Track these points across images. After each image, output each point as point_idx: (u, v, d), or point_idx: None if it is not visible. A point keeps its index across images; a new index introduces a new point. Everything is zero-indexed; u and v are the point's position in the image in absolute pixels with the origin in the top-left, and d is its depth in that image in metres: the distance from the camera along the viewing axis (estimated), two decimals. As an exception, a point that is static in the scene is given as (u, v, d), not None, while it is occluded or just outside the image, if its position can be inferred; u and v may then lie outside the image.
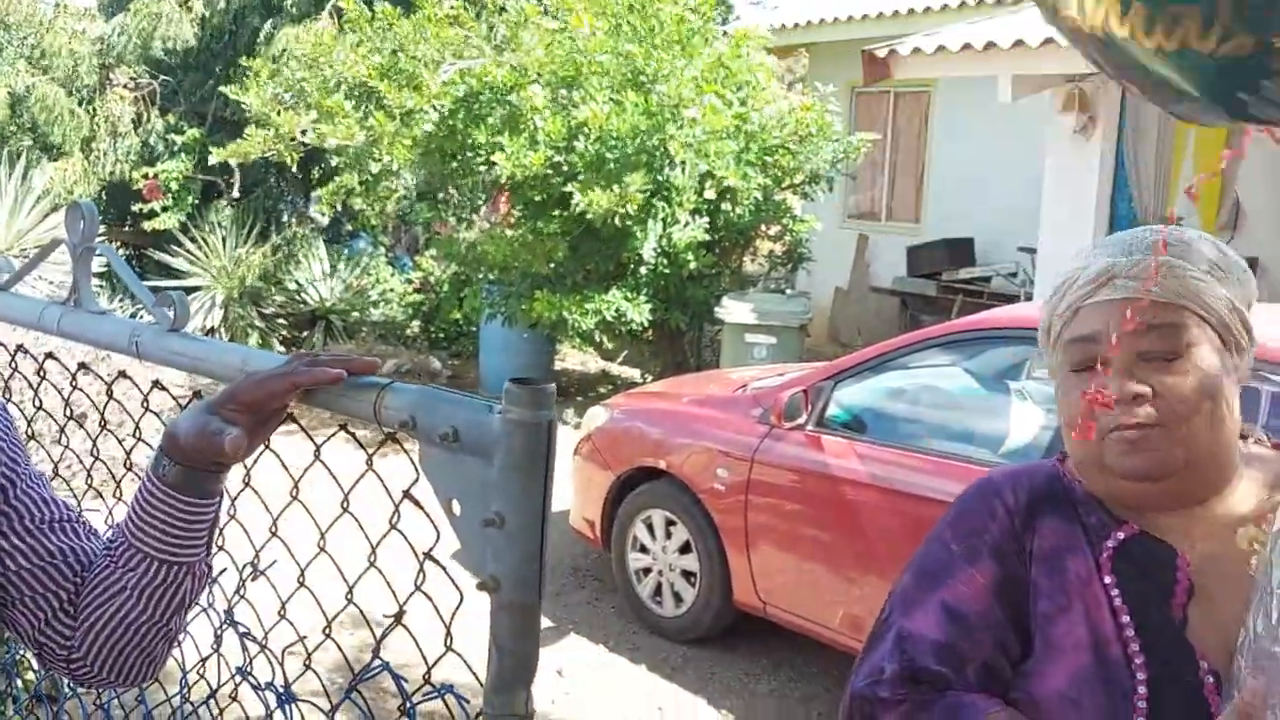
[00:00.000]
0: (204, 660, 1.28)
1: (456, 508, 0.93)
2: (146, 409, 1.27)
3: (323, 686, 1.15)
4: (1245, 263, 1.10)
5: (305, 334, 9.33)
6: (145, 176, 9.92)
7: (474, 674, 0.93)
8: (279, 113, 7.39)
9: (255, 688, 1.20)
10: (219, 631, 1.27)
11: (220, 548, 1.09)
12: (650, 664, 4.07)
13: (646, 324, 6.86)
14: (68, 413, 1.41)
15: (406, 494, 0.96)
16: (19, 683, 2.12)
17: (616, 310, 6.65)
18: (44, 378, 1.41)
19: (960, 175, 9.10)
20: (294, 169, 8.82)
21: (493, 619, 0.91)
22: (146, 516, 1.00)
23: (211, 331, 8.95)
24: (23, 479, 1.02)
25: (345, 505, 1.05)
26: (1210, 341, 1.04)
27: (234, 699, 1.24)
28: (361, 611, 1.08)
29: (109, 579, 1.01)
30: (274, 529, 1.15)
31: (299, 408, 1.02)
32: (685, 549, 4.19)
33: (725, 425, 4.11)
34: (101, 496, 1.43)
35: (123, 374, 1.31)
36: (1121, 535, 1.07)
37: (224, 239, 9.53)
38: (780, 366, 5.32)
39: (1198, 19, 0.71)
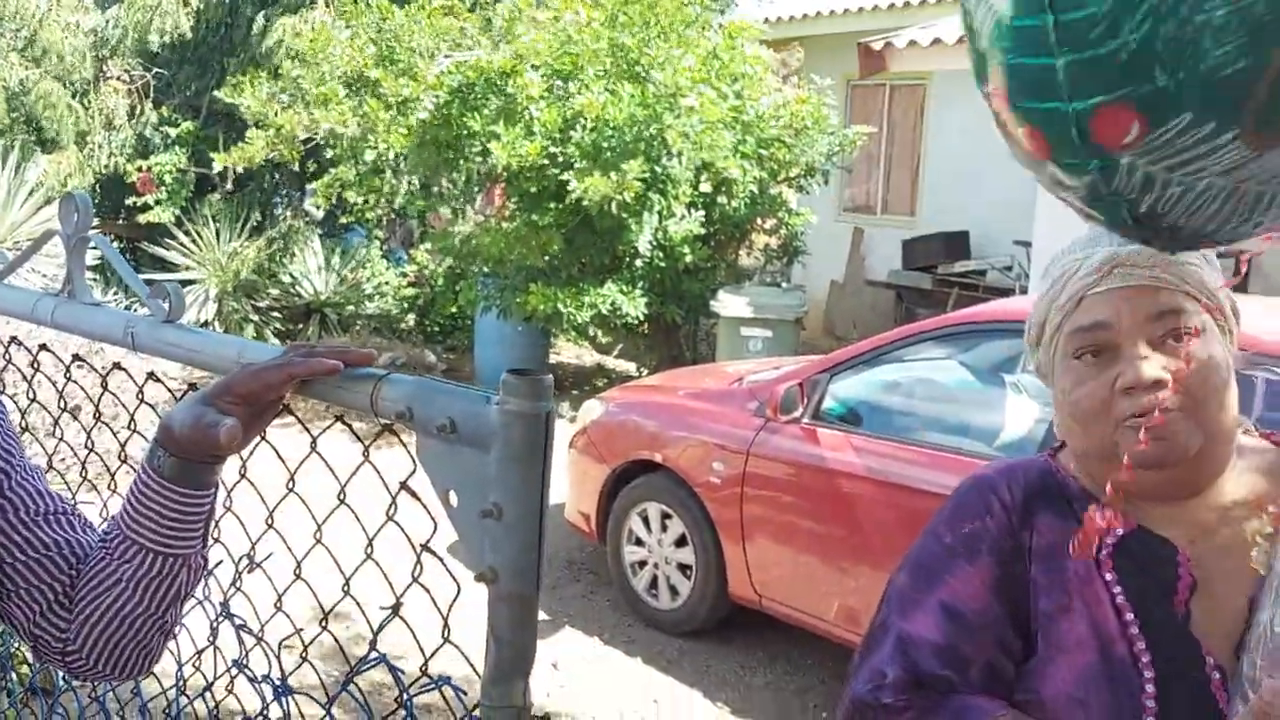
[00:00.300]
0: (200, 653, 1.28)
1: (454, 499, 0.93)
2: (141, 401, 1.27)
3: (319, 679, 1.14)
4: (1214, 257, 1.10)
5: (300, 327, 9.31)
6: (139, 169, 9.89)
7: (471, 665, 0.93)
8: (277, 113, 7.37)
9: (251, 680, 1.20)
10: (215, 624, 1.26)
11: (216, 540, 1.09)
12: (646, 657, 4.08)
13: (642, 317, 6.85)
14: (62, 405, 1.41)
15: (404, 485, 0.96)
16: (14, 676, 2.11)
17: (612, 303, 6.65)
18: (38, 370, 1.40)
19: (956, 168, 9.10)
20: (289, 163, 8.80)
21: (490, 610, 0.90)
22: (142, 509, 0.99)
23: (206, 325, 8.93)
24: (17, 471, 1.02)
25: (342, 497, 1.05)
26: (1212, 326, 1.04)
27: (230, 692, 1.24)
28: (358, 603, 1.08)
29: (104, 571, 1.01)
30: (270, 521, 1.15)
31: (295, 399, 1.02)
32: (681, 542, 4.20)
33: (721, 418, 4.11)
34: (96, 489, 1.42)
35: (117, 365, 1.30)
36: (1120, 530, 1.06)
37: (218, 232, 9.50)
38: (776, 360, 5.32)
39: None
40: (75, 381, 1.44)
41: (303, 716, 1.15)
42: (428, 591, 0.94)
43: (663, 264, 6.81)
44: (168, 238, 9.50)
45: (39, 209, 8.55)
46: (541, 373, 0.88)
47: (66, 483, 1.54)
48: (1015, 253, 8.41)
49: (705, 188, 6.73)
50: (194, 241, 9.41)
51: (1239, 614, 1.00)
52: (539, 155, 6.28)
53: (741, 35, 6.99)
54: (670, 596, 4.27)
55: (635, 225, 6.50)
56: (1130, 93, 0.72)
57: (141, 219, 9.78)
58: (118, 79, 10.45)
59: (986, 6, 0.77)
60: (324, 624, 1.09)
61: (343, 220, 10.21)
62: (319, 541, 1.09)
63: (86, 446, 1.39)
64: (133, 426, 1.29)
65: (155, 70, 10.39)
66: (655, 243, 6.66)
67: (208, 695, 1.26)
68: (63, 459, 1.53)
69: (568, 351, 9.21)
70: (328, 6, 8.87)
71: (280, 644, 1.18)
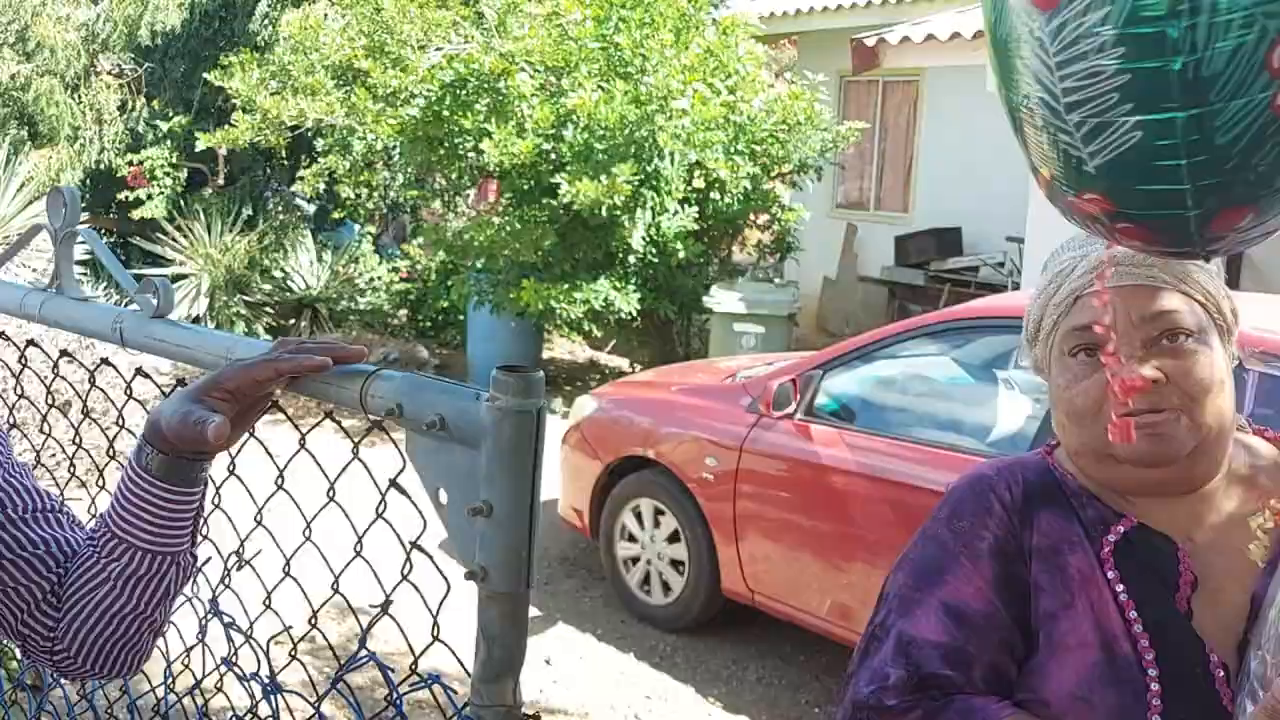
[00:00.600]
0: (189, 650, 1.27)
1: (444, 496, 0.92)
2: (130, 396, 1.26)
3: (309, 677, 1.14)
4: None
5: (292, 322, 9.28)
6: (130, 164, 9.84)
7: (461, 664, 0.92)
8: (265, 97, 7.34)
9: (240, 678, 1.19)
10: (204, 622, 1.26)
11: (205, 537, 1.08)
12: (638, 653, 4.08)
13: (635, 313, 6.85)
14: (50, 401, 1.40)
15: (393, 483, 0.95)
16: (2, 671, 2.10)
17: (605, 299, 6.64)
18: (25, 365, 1.39)
19: (949, 164, 9.10)
20: (282, 156, 8.77)
21: (480, 609, 0.90)
22: (130, 506, 0.98)
23: (197, 320, 8.89)
24: (4, 468, 1.01)
25: (331, 494, 1.04)
26: (1211, 326, 1.04)
27: (219, 689, 1.23)
28: (348, 601, 1.07)
29: (92, 570, 1.00)
30: (259, 518, 1.14)
31: (286, 395, 1.01)
32: (674, 538, 4.19)
33: (714, 414, 4.11)
34: (85, 486, 1.41)
35: (105, 361, 1.29)
36: (1121, 528, 1.05)
37: (210, 227, 9.46)
38: (769, 356, 5.32)
39: None
40: (63, 377, 1.43)
41: (292, 715, 1.14)
42: (417, 590, 0.93)
43: (656, 260, 6.80)
44: (159, 232, 9.45)
45: (29, 203, 8.50)
46: (532, 369, 0.88)
47: (55, 479, 1.53)
48: (1008, 249, 8.42)
49: (698, 184, 6.72)
50: (185, 236, 9.37)
51: (1239, 610, 1.00)
52: (531, 153, 6.26)
53: (736, 31, 6.98)
54: (663, 592, 4.26)
55: (628, 221, 6.49)
56: (1253, 196, 0.82)
57: (133, 214, 9.73)
58: (109, 73, 10.40)
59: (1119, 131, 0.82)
60: (313, 622, 1.09)
61: (335, 215, 10.18)
62: (308, 539, 1.08)
63: (74, 442, 1.38)
64: (121, 422, 1.28)
65: (147, 65, 10.34)
66: (648, 239, 6.66)
67: (196, 693, 1.25)
68: (53, 454, 1.52)
69: (561, 347, 9.19)
70: (332, 3, 8.81)
71: (269, 642, 1.17)
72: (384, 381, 0.95)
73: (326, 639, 1.12)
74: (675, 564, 4.21)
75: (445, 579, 0.93)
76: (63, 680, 1.44)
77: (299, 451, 1.05)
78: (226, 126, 7.62)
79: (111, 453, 1.30)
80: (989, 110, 8.11)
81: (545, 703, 3.69)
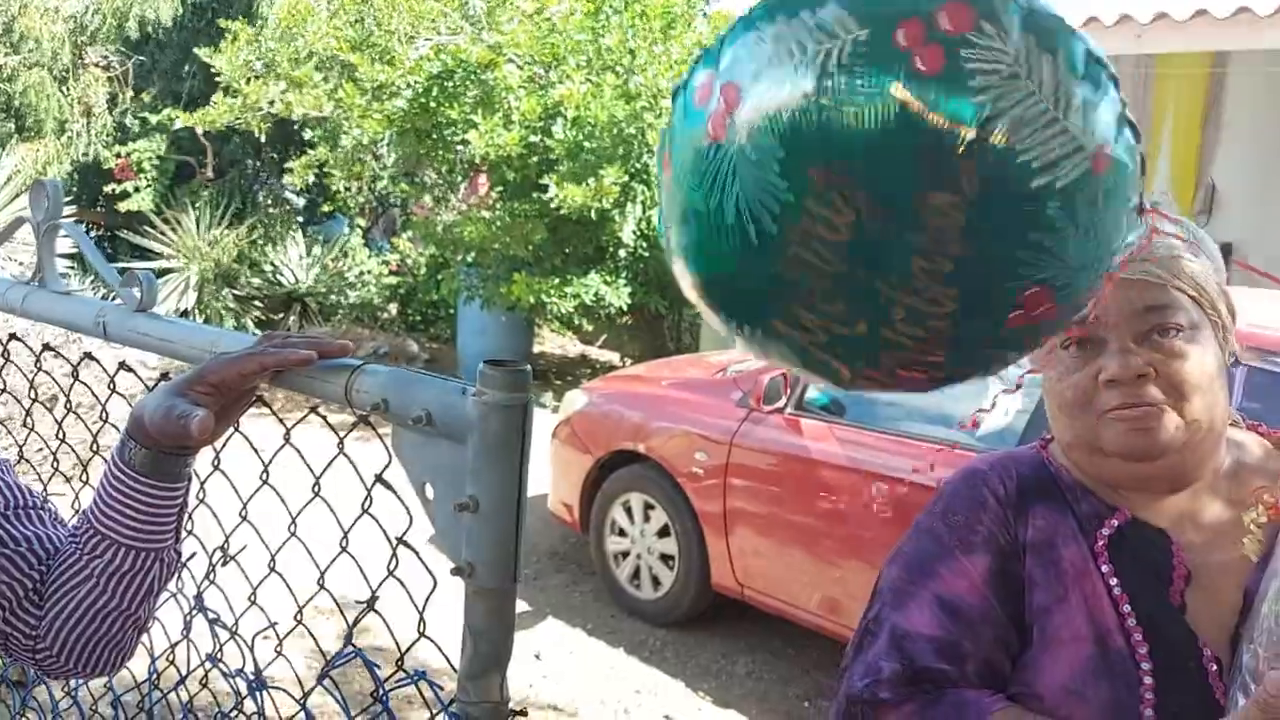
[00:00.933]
0: (173, 647, 1.26)
1: (430, 492, 0.91)
2: (113, 391, 1.25)
3: (294, 673, 1.13)
4: (1219, 253, 1.11)
5: (281, 316, 9.24)
6: (117, 156, 9.78)
7: (448, 660, 0.92)
8: (249, 81, 7.29)
9: (225, 675, 1.18)
10: (188, 617, 1.25)
11: (189, 532, 1.07)
12: (628, 647, 4.08)
13: (626, 307, 6.84)
14: (32, 395, 1.38)
15: (379, 478, 0.94)
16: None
17: (595, 294, 6.63)
18: (8, 359, 1.38)
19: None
20: (270, 150, 8.73)
21: (467, 604, 0.89)
22: (113, 502, 0.97)
23: (186, 314, 8.85)
24: (-15, 464, 1.00)
25: (316, 489, 1.03)
26: (1204, 322, 1.04)
27: (204, 686, 1.23)
28: (334, 597, 1.06)
29: (75, 567, 0.99)
30: (244, 513, 1.13)
31: (273, 390, 1.00)
32: (664, 532, 4.19)
33: (704, 409, 4.11)
34: (69, 481, 1.40)
35: (89, 355, 1.28)
36: (1115, 522, 1.05)
37: (198, 220, 9.41)
38: (759, 350, 5.32)
39: None
40: (47, 372, 1.41)
41: (278, 712, 1.13)
42: (403, 585, 0.92)
43: (646, 254, 6.79)
44: (147, 226, 9.40)
45: (15, 197, 8.45)
46: (519, 364, 0.87)
47: (39, 475, 1.51)
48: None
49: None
50: (173, 229, 9.32)
51: (1233, 604, 1.00)
52: (518, 145, 6.24)
53: (725, 26, 6.96)
54: (653, 587, 4.26)
55: (619, 216, 6.47)
56: None
57: (120, 207, 9.67)
58: (97, 65, 10.33)
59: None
60: (299, 618, 1.08)
61: (325, 208, 10.14)
62: (294, 534, 1.07)
63: (58, 437, 1.36)
64: (104, 417, 1.27)
65: (136, 58, 10.27)
66: (639, 233, 6.64)
67: (181, 689, 1.24)
68: (40, 449, 1.51)
69: (551, 341, 9.18)
70: None
71: (254, 638, 1.16)
72: (369, 376, 0.94)
73: (313, 635, 1.11)
74: (665, 559, 4.21)
75: (431, 575, 0.92)
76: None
77: (284, 446, 1.05)
78: (205, 108, 7.56)
79: (95, 448, 1.29)
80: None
81: (534, 698, 3.69)
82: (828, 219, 0.82)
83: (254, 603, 1.14)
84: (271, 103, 7.20)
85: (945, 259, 0.83)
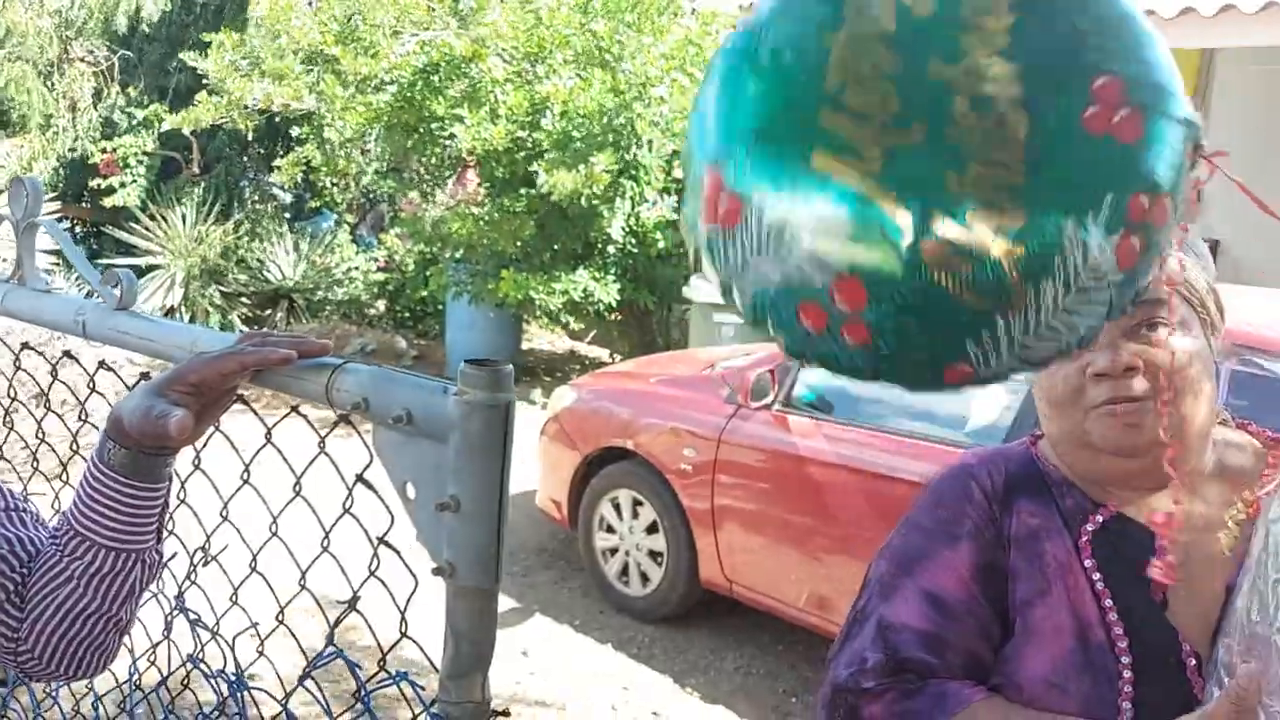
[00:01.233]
0: (154, 647, 1.25)
1: (411, 491, 0.91)
2: (93, 390, 1.24)
3: (276, 674, 1.12)
4: (1207, 251, 1.12)
5: (268, 313, 9.21)
6: (103, 151, 9.72)
7: (430, 660, 0.91)
8: (234, 80, 7.26)
9: (206, 676, 1.17)
10: (169, 618, 1.24)
11: (170, 532, 1.06)
12: (616, 643, 4.08)
13: (614, 304, 6.83)
14: (11, 394, 1.37)
15: (360, 477, 0.94)
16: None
17: (584, 290, 6.62)
18: (-13, 358, 1.37)
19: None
20: (257, 146, 8.69)
21: (449, 605, 0.89)
22: (92, 503, 0.97)
23: (172, 310, 8.80)
24: (-38, 465, 0.99)
25: (298, 489, 1.03)
26: (1192, 319, 1.06)
27: (186, 686, 1.22)
28: (315, 597, 1.06)
29: (55, 568, 0.98)
30: (225, 513, 1.13)
31: (255, 389, 0.99)
32: (652, 529, 4.19)
33: (692, 405, 4.11)
34: (50, 481, 1.39)
35: (68, 354, 1.27)
36: (1100, 518, 1.07)
37: (184, 216, 9.37)
38: (748, 346, 5.32)
39: None
40: (28, 371, 1.40)
41: (260, 712, 1.13)
42: (385, 585, 0.92)
43: (635, 250, 6.78)
44: (133, 222, 9.35)
45: (0, 192, 8.39)
46: (502, 362, 0.87)
47: (19, 475, 1.50)
48: (986, 240, 8.44)
49: (678, 174, 6.70)
50: (159, 225, 9.27)
51: (1215, 601, 1.01)
52: (504, 140, 6.23)
53: (716, 22, 6.96)
54: (641, 583, 4.26)
55: (608, 212, 6.46)
56: None
57: (106, 202, 9.62)
58: (83, 60, 10.27)
59: None
60: (280, 618, 1.07)
61: (312, 204, 10.10)
62: (275, 534, 1.06)
63: (38, 437, 1.35)
64: (84, 417, 1.26)
65: (121, 52, 10.21)
66: (628, 229, 6.63)
67: (163, 690, 1.23)
68: (24, 446, 1.49)
69: (540, 337, 9.17)
70: None
71: (234, 638, 1.15)
72: (350, 375, 0.93)
73: (294, 635, 1.11)
74: (653, 555, 4.21)
75: (413, 575, 0.92)
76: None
77: (265, 445, 1.04)
78: (190, 107, 7.53)
79: (75, 447, 1.28)
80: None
81: (522, 695, 3.68)
82: None
83: (235, 603, 1.13)
84: (258, 100, 7.17)
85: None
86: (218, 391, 0.96)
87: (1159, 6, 5.76)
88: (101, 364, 1.22)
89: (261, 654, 1.11)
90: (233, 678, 1.11)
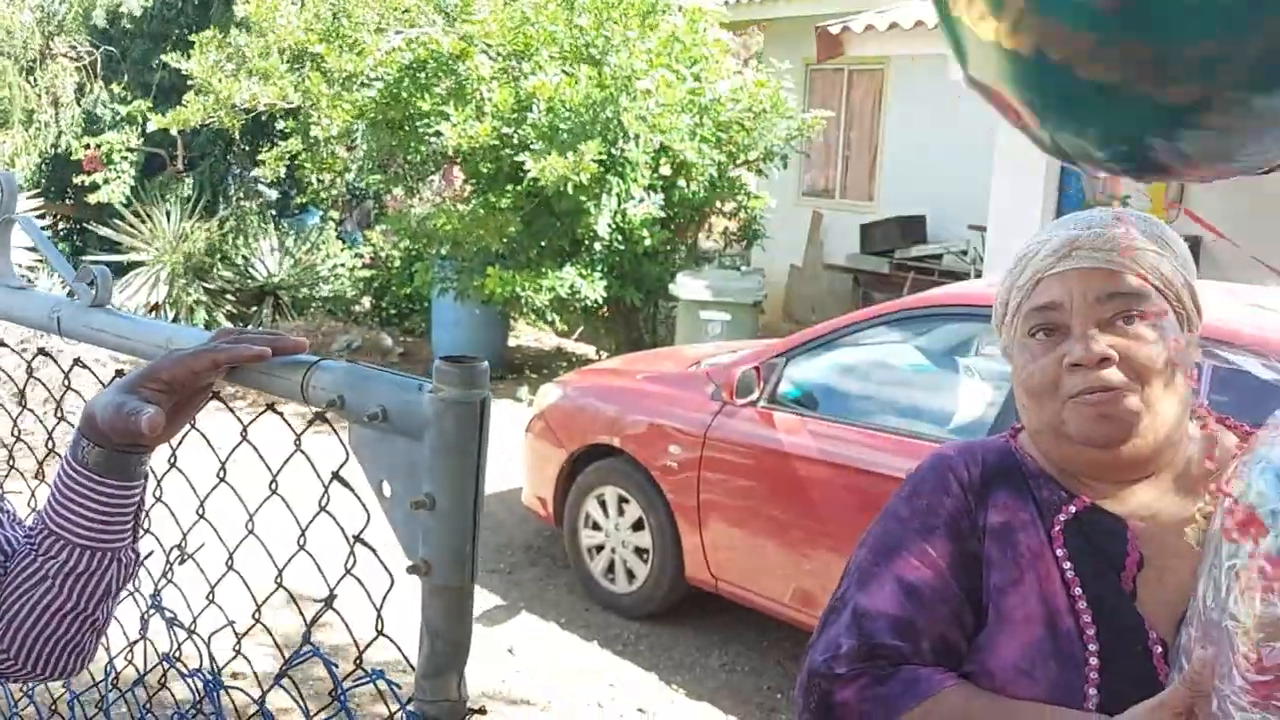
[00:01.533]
0: (131, 646, 1.24)
1: (386, 489, 0.91)
2: (68, 388, 1.23)
3: (253, 672, 1.12)
4: (1187, 248, 1.14)
5: (253, 310, 9.17)
6: (87, 148, 9.66)
7: (406, 658, 0.91)
8: (220, 80, 7.23)
9: (183, 675, 1.17)
10: (145, 616, 1.23)
11: (147, 530, 1.06)
12: (602, 640, 4.08)
13: (601, 300, 6.82)
14: (-13, 392, 1.36)
15: (336, 475, 0.93)
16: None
17: (571, 287, 6.61)
18: (-38, 355, 1.36)
19: (913, 153, 9.15)
20: (241, 142, 8.65)
21: (424, 603, 0.89)
22: (67, 501, 0.96)
23: (156, 307, 8.76)
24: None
25: (274, 487, 1.02)
26: (1167, 313, 1.07)
27: (163, 685, 1.21)
28: (292, 595, 1.05)
29: (31, 568, 0.97)
30: (201, 511, 1.12)
31: (236, 387, 0.99)
32: (638, 526, 4.19)
33: (678, 402, 4.11)
34: (26, 480, 1.38)
35: (42, 352, 1.26)
36: (1073, 508, 1.09)
37: (169, 213, 9.32)
38: (734, 343, 5.32)
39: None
40: (3, 369, 1.39)
41: (237, 710, 1.12)
42: (361, 584, 0.92)
43: (622, 247, 6.78)
44: (117, 218, 9.29)
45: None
46: (476, 359, 0.86)
47: (-4, 472, 1.49)
48: (970, 237, 8.48)
49: (665, 171, 6.71)
50: (144, 222, 9.22)
51: (1183, 591, 1.02)
52: (490, 136, 6.21)
53: (702, 19, 6.96)
54: (627, 580, 4.27)
55: (594, 208, 6.46)
56: None
57: (90, 199, 9.56)
58: (65, 56, 10.19)
59: None
60: (256, 617, 1.07)
61: (298, 201, 10.06)
62: (251, 532, 1.06)
63: (14, 435, 1.34)
64: (60, 414, 1.25)
65: (104, 48, 10.14)
66: (614, 226, 6.63)
67: (140, 689, 1.22)
68: (3, 445, 1.48)
69: (527, 334, 9.15)
70: None
71: (210, 636, 1.15)
72: (325, 372, 0.93)
73: (271, 633, 1.10)
74: (639, 552, 4.21)
75: (389, 573, 0.92)
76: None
77: (241, 444, 1.03)
78: (177, 107, 7.49)
79: (51, 444, 1.27)
80: (953, 99, 8.20)
81: (507, 693, 3.68)
82: None
83: (212, 601, 1.13)
84: (245, 100, 7.14)
85: None
86: (191, 389, 0.95)
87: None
88: (76, 361, 1.21)
89: (238, 652, 1.11)
90: (209, 677, 1.11)
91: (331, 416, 0.93)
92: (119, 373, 1.05)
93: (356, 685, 0.98)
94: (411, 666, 0.89)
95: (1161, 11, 0.75)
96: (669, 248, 7.13)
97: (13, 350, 1.33)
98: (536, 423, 4.63)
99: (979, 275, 7.49)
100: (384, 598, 0.92)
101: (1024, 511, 1.10)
